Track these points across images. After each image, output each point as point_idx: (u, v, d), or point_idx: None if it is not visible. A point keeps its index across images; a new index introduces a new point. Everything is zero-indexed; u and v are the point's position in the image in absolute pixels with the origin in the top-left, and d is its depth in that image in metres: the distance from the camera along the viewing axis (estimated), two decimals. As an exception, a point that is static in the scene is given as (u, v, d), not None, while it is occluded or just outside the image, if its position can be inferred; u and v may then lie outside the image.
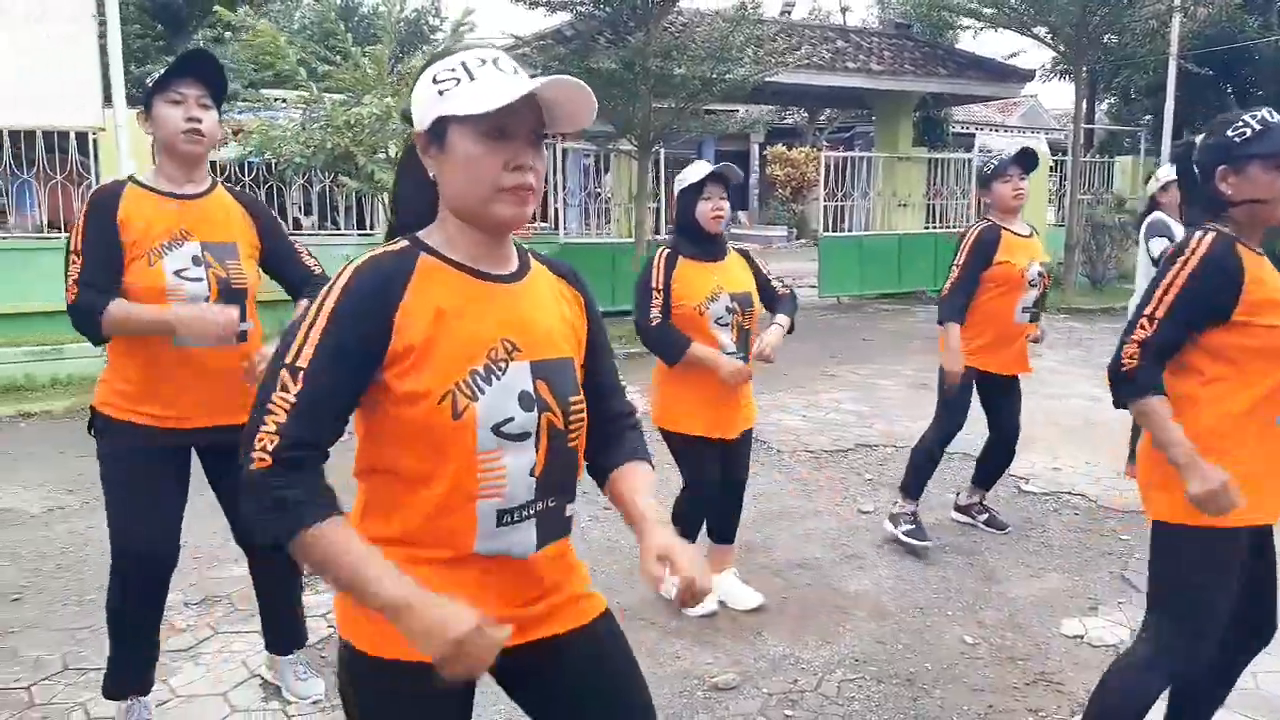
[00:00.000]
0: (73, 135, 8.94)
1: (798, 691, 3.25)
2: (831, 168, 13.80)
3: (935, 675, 3.38)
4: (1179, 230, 5.26)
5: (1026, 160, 4.41)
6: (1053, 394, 7.97)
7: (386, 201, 9.02)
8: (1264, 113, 2.27)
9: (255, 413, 1.37)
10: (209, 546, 4.25)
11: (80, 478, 5.42)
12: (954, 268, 4.39)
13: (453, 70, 1.45)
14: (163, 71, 2.69)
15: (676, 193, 3.64)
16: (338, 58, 8.97)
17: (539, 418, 1.48)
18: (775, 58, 10.71)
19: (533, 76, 1.44)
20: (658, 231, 12.37)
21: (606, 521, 4.75)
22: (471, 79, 1.42)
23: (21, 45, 7.71)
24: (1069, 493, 5.37)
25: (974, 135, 21.96)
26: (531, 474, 1.49)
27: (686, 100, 10.20)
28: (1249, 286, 2.23)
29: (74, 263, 2.62)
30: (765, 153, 26.61)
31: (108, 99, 8.31)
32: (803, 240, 24.05)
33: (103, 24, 8.00)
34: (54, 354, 7.91)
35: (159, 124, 2.67)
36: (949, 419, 4.46)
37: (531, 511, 1.51)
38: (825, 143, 23.85)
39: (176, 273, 2.66)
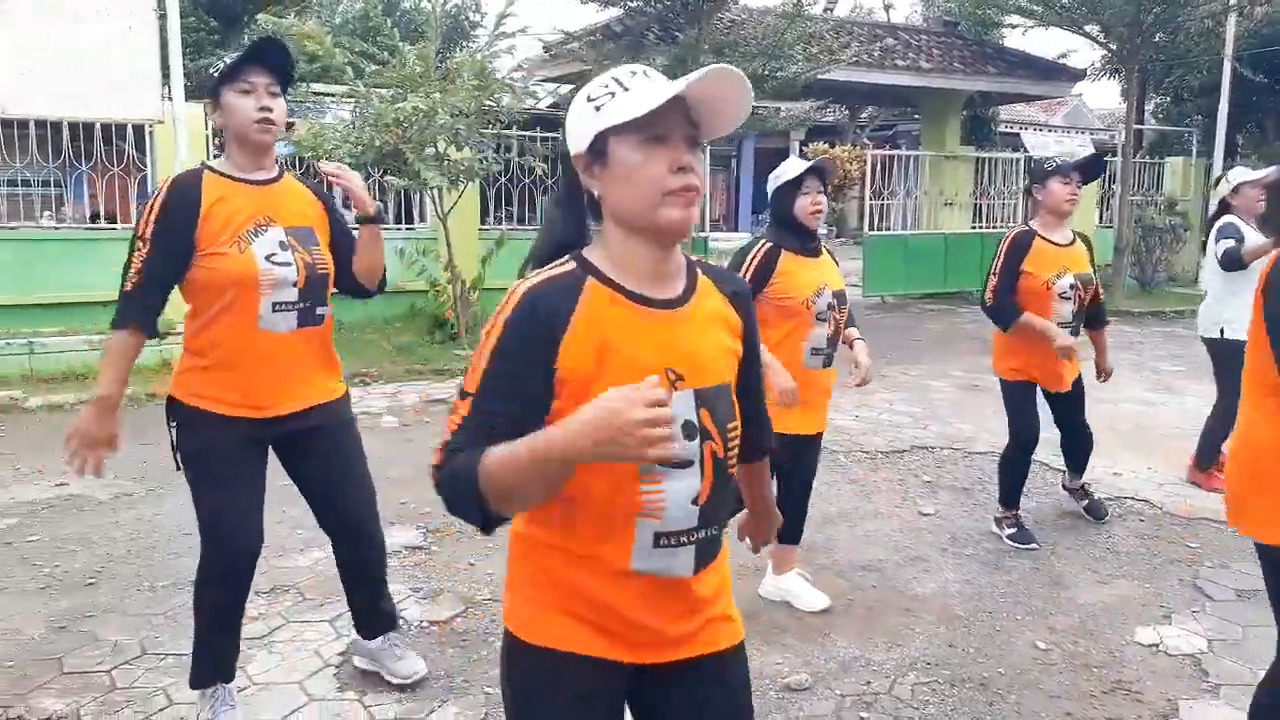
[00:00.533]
0: (130, 127, 9.06)
1: (871, 694, 3.22)
2: (877, 166, 13.70)
3: (1010, 680, 3.34)
4: (1251, 234, 5.20)
5: (1091, 168, 4.34)
6: (1105, 398, 7.83)
7: (434, 197, 9.08)
8: None
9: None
10: (275, 536, 4.24)
11: (144, 465, 5.49)
12: (991, 275, 4.35)
13: (605, 86, 1.47)
14: (232, 61, 2.70)
15: (771, 189, 3.62)
16: (385, 54, 9.02)
17: (701, 446, 1.49)
18: (828, 55, 10.64)
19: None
20: (702, 228, 12.35)
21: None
22: (625, 89, 1.45)
23: (83, 39, 7.83)
24: (1132, 498, 5.29)
25: (1018, 134, 21.76)
26: (695, 502, 1.49)
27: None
28: None
29: (139, 249, 2.61)
30: (806, 150, 26.49)
31: (165, 92, 8.43)
32: (841, 238, 23.91)
33: (162, 18, 8.11)
34: (111, 343, 8.00)
35: (230, 113, 2.66)
36: (1020, 435, 4.45)
37: (691, 539, 1.52)
38: (867, 140, 23.70)
39: (267, 257, 2.67)
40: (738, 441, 1.56)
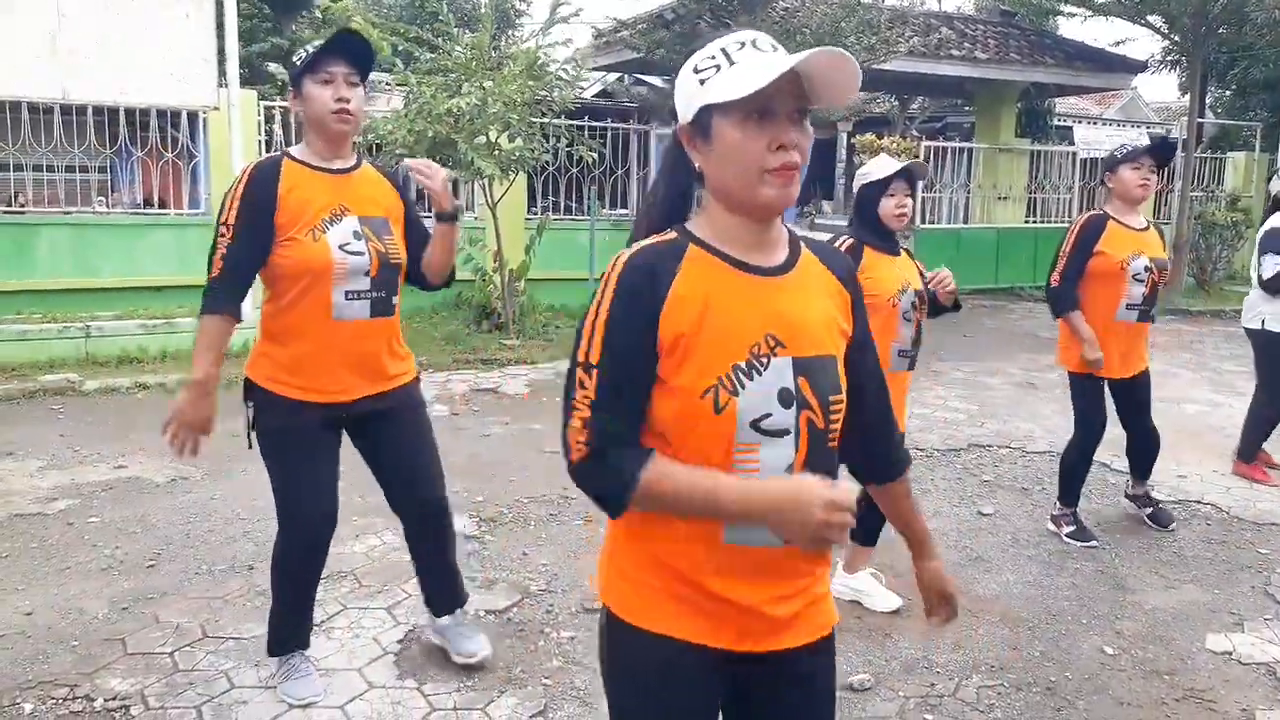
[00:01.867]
0: (184, 114, 9.15)
1: (935, 696, 3.16)
2: (929, 158, 13.50)
3: (1077, 686, 3.25)
4: None
5: (1162, 151, 4.25)
6: (1166, 398, 7.66)
7: (484, 186, 9.07)
8: None
9: (564, 413, 1.46)
10: (331, 522, 4.30)
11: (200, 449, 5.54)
12: (1059, 258, 4.29)
13: (712, 57, 1.44)
14: (313, 50, 2.75)
15: (857, 186, 3.55)
16: (440, 40, 9.01)
17: (798, 415, 1.46)
18: (885, 46, 10.48)
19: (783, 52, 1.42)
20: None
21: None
22: (731, 63, 1.42)
23: (142, 26, 7.91)
24: (1198, 501, 5.15)
25: (1071, 127, 21.36)
26: (789, 470, 1.47)
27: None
28: None
29: (223, 235, 2.67)
30: (854, 141, 26.22)
31: (221, 79, 8.50)
32: (890, 231, 23.60)
33: (219, 4, 8.16)
34: (165, 328, 8.11)
35: (309, 102, 2.72)
36: (1086, 428, 4.39)
37: None
38: (916, 132, 23.38)
39: (341, 246, 2.70)
40: (840, 414, 1.53)
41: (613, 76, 15.36)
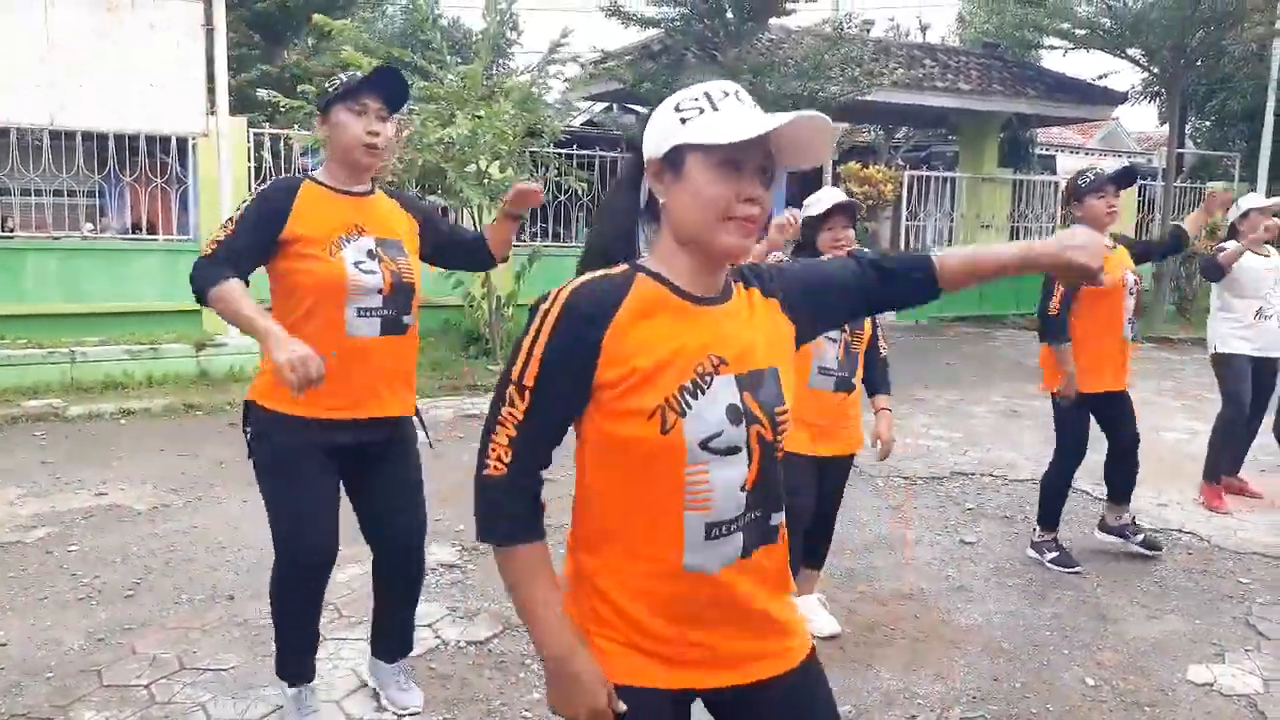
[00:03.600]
0: (173, 140, 9.17)
1: (916, 728, 3.15)
2: (912, 186, 13.62)
3: (1058, 717, 3.25)
4: (1247, 257, 5.36)
5: (1124, 178, 4.36)
6: (1149, 426, 7.67)
7: (473, 214, 9.10)
8: None
9: (487, 425, 1.50)
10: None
11: (183, 476, 5.52)
12: (1056, 291, 4.33)
13: (696, 99, 1.48)
14: (350, 79, 2.75)
15: (800, 218, 3.61)
16: (433, 68, 9.06)
17: (747, 431, 1.49)
18: (868, 78, 10.60)
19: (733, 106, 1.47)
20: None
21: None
22: (715, 110, 1.46)
23: (132, 52, 7.95)
24: (1179, 530, 5.18)
25: (1054, 157, 21.57)
26: (742, 489, 1.50)
27: (774, 118, 10.12)
28: None
29: (226, 228, 2.68)
30: (839, 170, 26.43)
31: (210, 106, 8.53)
32: (874, 259, 23.74)
33: (210, 33, 8.21)
34: (150, 353, 8.09)
35: (338, 130, 2.73)
36: (1068, 451, 4.44)
37: (739, 524, 1.52)
38: (900, 161, 23.58)
39: (355, 264, 2.72)
40: (786, 425, 1.56)
41: (599, 106, 15.46)
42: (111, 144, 9.00)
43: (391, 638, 3.14)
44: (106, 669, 3.31)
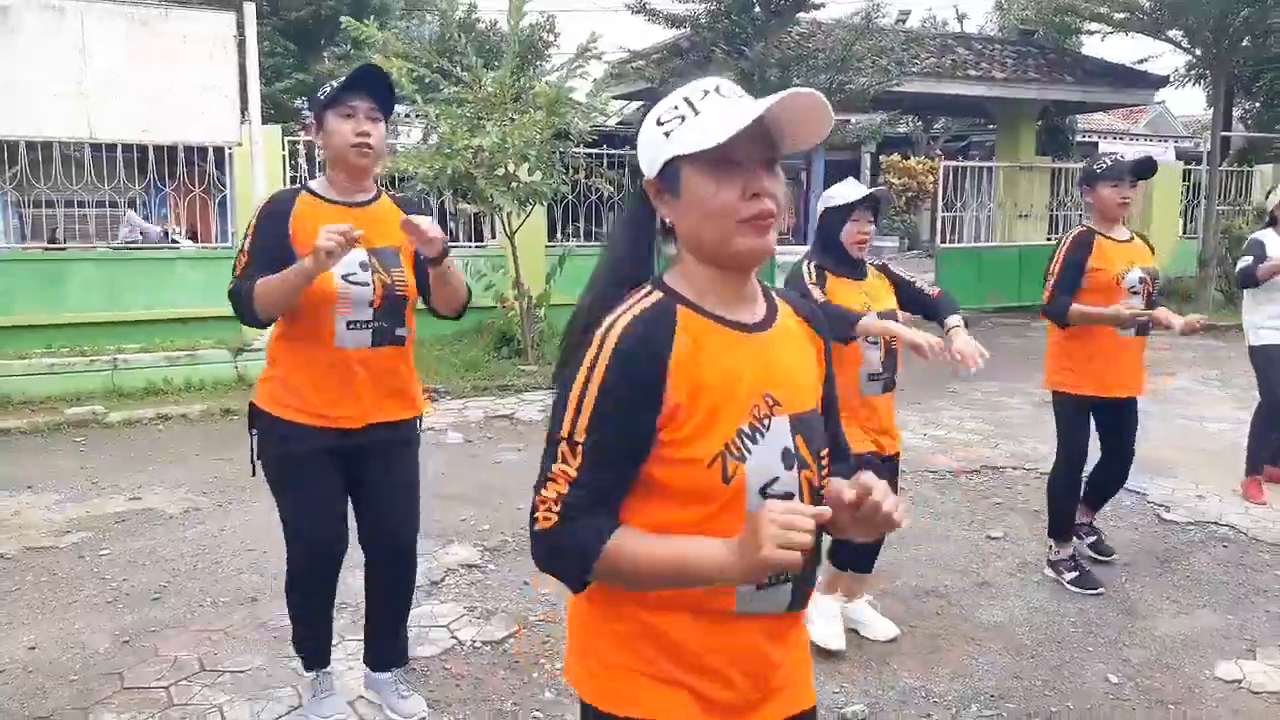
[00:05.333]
0: (210, 150, 9.34)
1: (931, 727, 3.11)
2: (949, 177, 13.45)
3: (1079, 716, 3.20)
4: (1278, 248, 5.17)
5: (1142, 169, 4.16)
6: (1190, 415, 7.57)
7: (504, 219, 9.15)
8: None
9: (538, 482, 1.39)
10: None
11: (215, 480, 5.62)
12: (1047, 277, 4.16)
13: (675, 108, 1.39)
14: (336, 85, 2.78)
15: (820, 209, 3.54)
16: (463, 74, 9.11)
17: (799, 476, 1.42)
18: (898, 67, 10.48)
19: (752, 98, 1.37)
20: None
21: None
22: (696, 113, 1.36)
23: (167, 64, 8.09)
24: (1215, 523, 5.05)
25: (1097, 144, 21.17)
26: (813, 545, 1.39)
27: (804, 111, 10.03)
28: None
29: (241, 259, 2.75)
30: (880, 162, 26.13)
31: (244, 116, 8.67)
32: (914, 251, 23.49)
33: (241, 43, 8.34)
34: (188, 359, 8.25)
35: (330, 136, 2.76)
36: (1069, 450, 4.20)
37: (789, 575, 1.43)
38: (939, 152, 23.29)
39: (345, 277, 2.74)
40: (827, 471, 1.49)
41: (632, 105, 15.47)
42: (150, 154, 9.18)
43: (386, 646, 3.15)
44: (129, 671, 3.38)
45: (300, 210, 2.78)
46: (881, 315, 3.42)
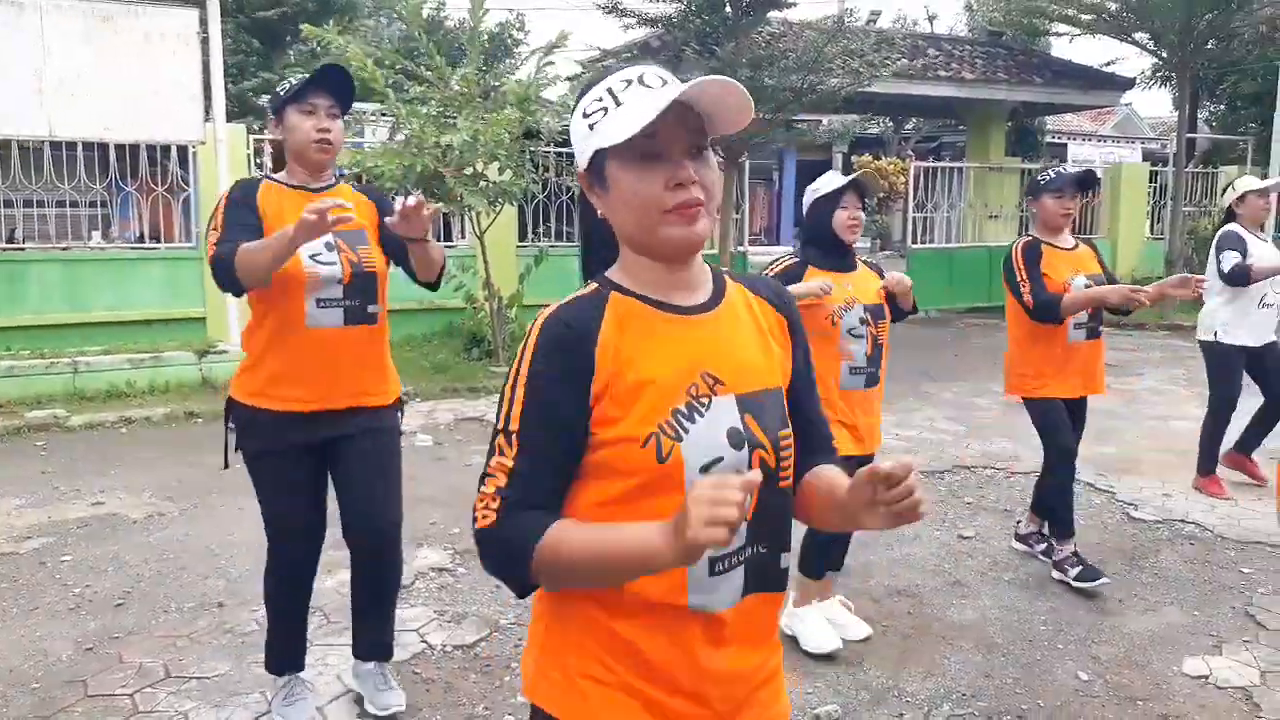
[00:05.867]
0: (174, 149, 9.20)
1: (903, 726, 3.11)
2: (920, 178, 13.53)
3: (1049, 713, 3.21)
4: (1255, 244, 5.27)
5: (1084, 181, 4.22)
6: (1157, 415, 7.66)
7: (474, 218, 9.08)
8: None
9: (481, 480, 1.37)
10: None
11: (180, 485, 5.53)
12: (1021, 284, 4.14)
13: (599, 99, 1.37)
14: (297, 82, 2.83)
15: (808, 202, 3.54)
16: (428, 74, 9.04)
17: (750, 455, 1.38)
18: (869, 69, 10.51)
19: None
20: (740, 243, 12.25)
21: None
22: (618, 104, 1.34)
23: (128, 62, 7.97)
24: (1182, 521, 5.10)
25: (1066, 145, 21.39)
26: (743, 519, 1.34)
27: (774, 111, 10.08)
28: None
29: (213, 233, 2.75)
30: (852, 162, 26.23)
31: (207, 114, 8.55)
32: (886, 252, 23.60)
33: (204, 40, 8.23)
34: (152, 361, 8.12)
35: (291, 131, 2.82)
36: (1057, 449, 4.24)
37: (741, 558, 1.39)
38: (911, 152, 23.42)
39: (311, 257, 2.76)
40: (791, 450, 1.44)
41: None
42: (112, 154, 9.03)
43: (373, 638, 3.13)
44: (93, 679, 3.32)
45: (265, 194, 2.83)
46: (868, 309, 3.46)
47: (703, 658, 1.38)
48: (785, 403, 1.46)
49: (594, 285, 1.43)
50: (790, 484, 1.46)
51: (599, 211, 1.42)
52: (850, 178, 3.45)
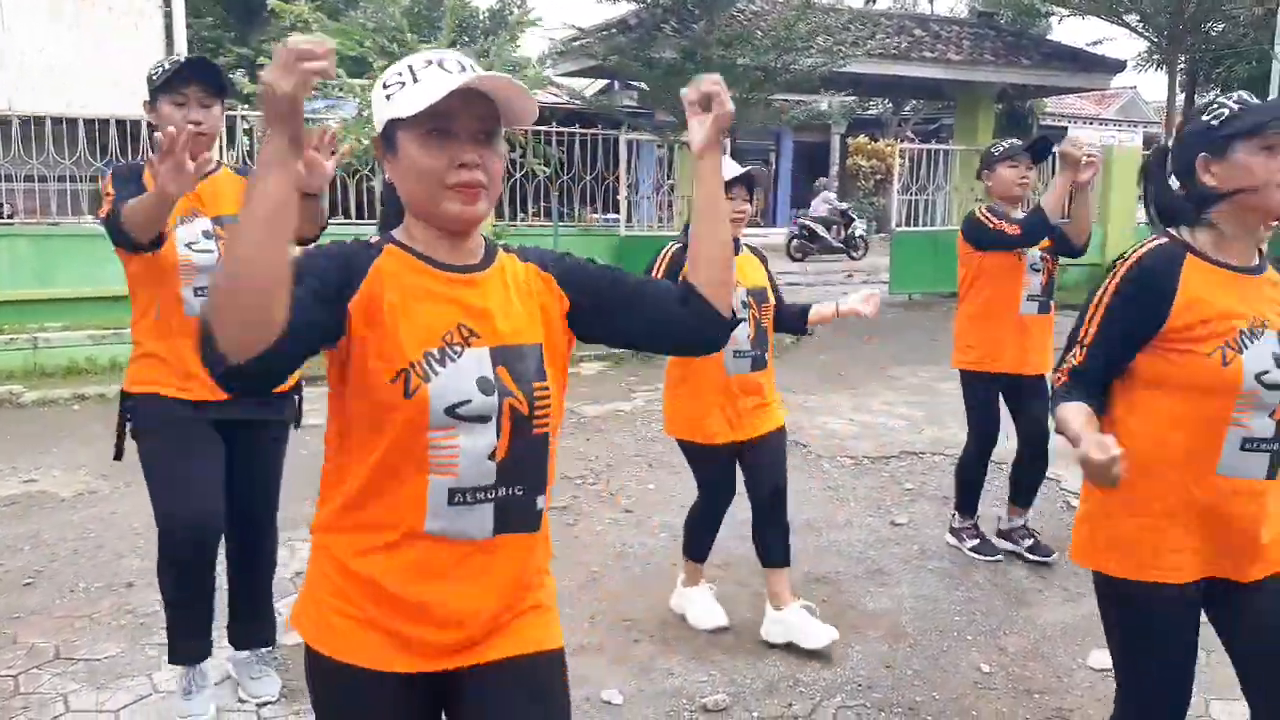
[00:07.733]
0: (144, 124, 9.13)
1: (790, 717, 3.07)
2: (909, 160, 13.40)
3: (941, 706, 3.17)
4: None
5: (1037, 149, 4.20)
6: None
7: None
8: (1241, 94, 2.03)
9: None
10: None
11: (117, 463, 5.48)
12: (996, 235, 4.04)
13: (400, 74, 1.48)
14: (162, 74, 2.77)
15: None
16: (398, 49, 8.96)
17: (500, 402, 1.49)
18: (845, 48, 10.38)
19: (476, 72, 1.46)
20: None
21: (623, 526, 4.64)
22: (415, 81, 1.45)
23: (89, 37, 7.92)
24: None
25: (1066, 128, 21.23)
26: (491, 457, 1.49)
27: (749, 91, 9.96)
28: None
29: (106, 201, 2.70)
30: (848, 144, 26.06)
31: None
32: (883, 234, 23.48)
33: (168, 15, 8.17)
34: (114, 338, 8.08)
35: (163, 121, 2.74)
36: (978, 427, 4.28)
37: (490, 496, 1.51)
38: (910, 134, 23.25)
39: (188, 245, 2.75)
40: (548, 402, 1.56)
41: (584, 83, 15.31)
42: (82, 129, 8.97)
43: (248, 622, 3.11)
44: (-19, 659, 3.30)
45: (149, 177, 2.72)
46: (751, 292, 3.41)
47: (447, 588, 1.50)
48: (546, 357, 1.57)
49: (377, 238, 1.56)
50: (547, 430, 1.56)
51: (388, 176, 1.55)
52: (742, 171, 3.38)
